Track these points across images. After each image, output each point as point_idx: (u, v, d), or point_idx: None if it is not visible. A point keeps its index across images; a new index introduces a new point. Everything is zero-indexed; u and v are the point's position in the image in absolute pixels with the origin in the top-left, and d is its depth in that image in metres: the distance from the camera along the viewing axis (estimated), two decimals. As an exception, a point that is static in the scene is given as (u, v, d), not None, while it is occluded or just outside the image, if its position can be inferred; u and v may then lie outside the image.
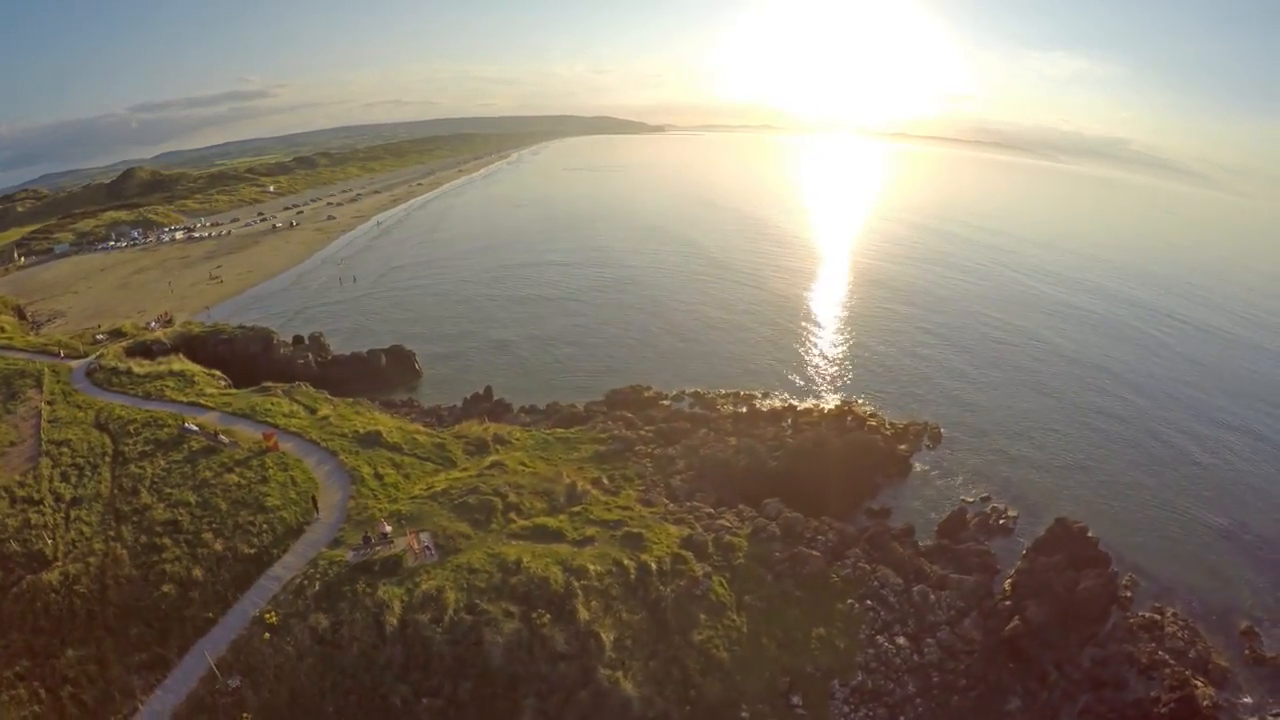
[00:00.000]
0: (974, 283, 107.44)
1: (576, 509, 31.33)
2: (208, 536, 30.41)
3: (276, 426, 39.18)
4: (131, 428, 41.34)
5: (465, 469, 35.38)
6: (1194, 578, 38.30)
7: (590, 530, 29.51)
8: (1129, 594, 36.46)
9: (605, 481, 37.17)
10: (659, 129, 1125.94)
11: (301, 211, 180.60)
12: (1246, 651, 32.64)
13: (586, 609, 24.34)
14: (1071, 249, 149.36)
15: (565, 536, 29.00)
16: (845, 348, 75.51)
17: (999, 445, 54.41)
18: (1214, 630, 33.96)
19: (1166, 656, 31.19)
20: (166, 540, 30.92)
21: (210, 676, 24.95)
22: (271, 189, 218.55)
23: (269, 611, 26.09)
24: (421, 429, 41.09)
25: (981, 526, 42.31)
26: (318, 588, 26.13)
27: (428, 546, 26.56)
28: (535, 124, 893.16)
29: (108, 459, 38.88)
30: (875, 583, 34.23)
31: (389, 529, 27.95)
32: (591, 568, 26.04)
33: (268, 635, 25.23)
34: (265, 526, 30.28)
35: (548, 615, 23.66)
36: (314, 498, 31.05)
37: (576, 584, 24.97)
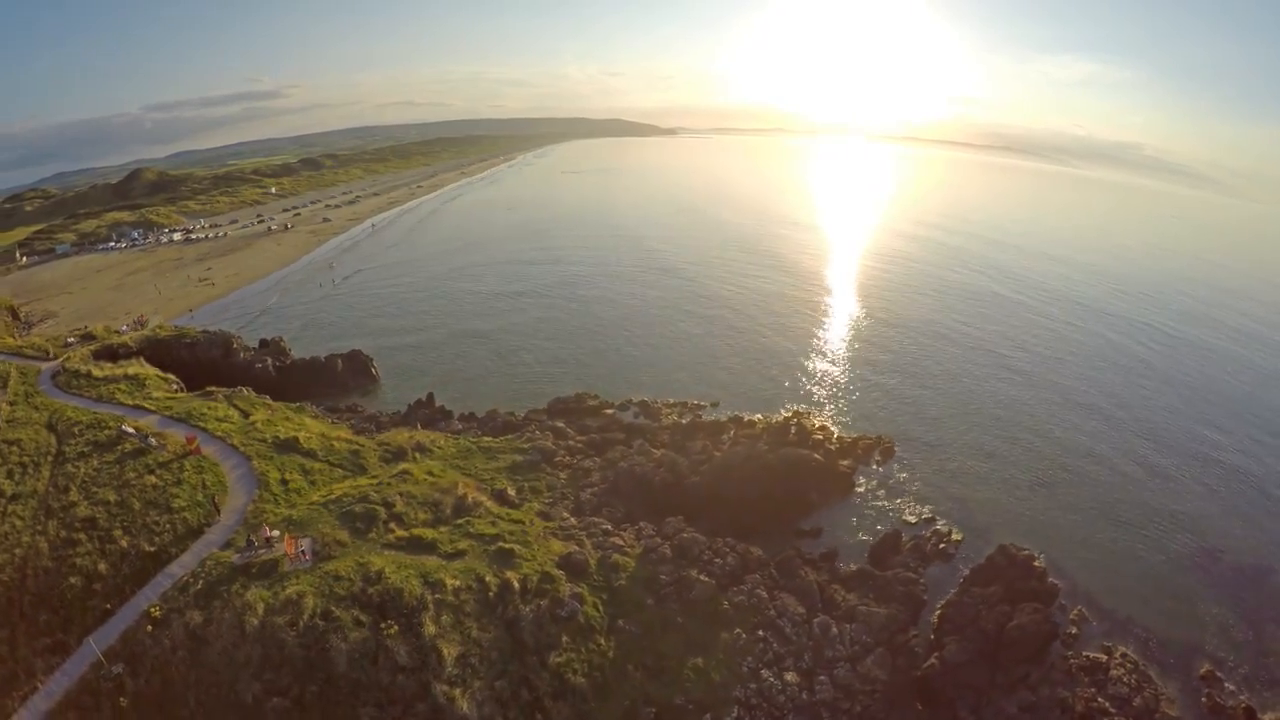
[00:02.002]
0: (956, 296, 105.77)
1: (460, 521, 32.59)
2: (118, 533, 32.72)
3: (205, 431, 41.57)
4: (77, 429, 43.91)
5: (373, 477, 37.37)
6: (1155, 613, 35.38)
7: (464, 544, 30.54)
8: (1074, 630, 33.79)
9: (510, 494, 38.55)
10: (671, 131, 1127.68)
11: (299, 214, 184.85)
12: (1204, 699, 29.71)
13: (435, 623, 25.25)
14: (1068, 259, 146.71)
15: (438, 549, 29.93)
16: (809, 359, 74.94)
17: (955, 462, 51.90)
18: (1169, 673, 31.21)
19: (1106, 704, 28.27)
20: (82, 535, 33.26)
21: (99, 663, 27.21)
22: (273, 190, 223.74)
23: (155, 606, 28.29)
24: (345, 436, 43.21)
25: (916, 551, 40.02)
26: (200, 586, 28.25)
27: (303, 552, 28.53)
28: (546, 126, 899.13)
29: (50, 458, 41.45)
30: (772, 612, 32.70)
31: (274, 534, 30.01)
32: (449, 582, 27.07)
33: (150, 628, 27.39)
34: (168, 526, 32.53)
35: (396, 626, 24.82)
36: (214, 501, 33.19)
37: (430, 597, 26.00)
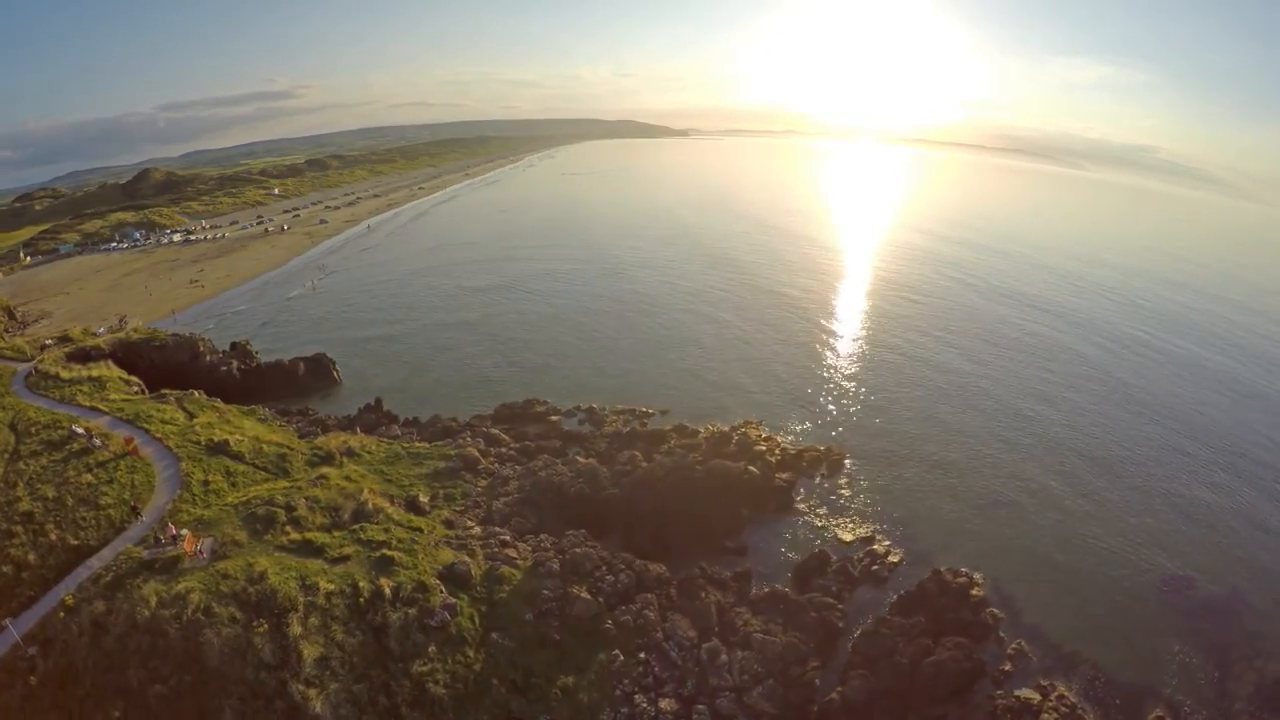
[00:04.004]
0: (939, 305, 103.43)
1: (356, 527, 34.48)
2: (49, 528, 35.67)
3: (148, 432, 44.60)
4: (34, 429, 47.09)
5: (293, 480, 40.04)
6: (1107, 649, 32.76)
7: (350, 549, 32.11)
8: (1008, 666, 31.50)
9: (422, 501, 40.31)
10: (683, 133, 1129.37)
11: (298, 215, 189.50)
12: (1147, 747, 27.02)
13: (301, 624, 26.97)
14: (1059, 266, 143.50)
15: (326, 553, 31.47)
16: (774, 367, 74.26)
17: (907, 478, 49.92)
18: (1112, 717, 28.87)
19: (1029, 751, 25.85)
20: (20, 528, 36.25)
21: (17, 645, 30.15)
22: (276, 191, 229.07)
23: (70, 595, 31.15)
24: (278, 439, 45.95)
25: (842, 574, 38.17)
26: (109, 578, 31.00)
27: (200, 551, 31.24)
28: (557, 127, 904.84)
29: (6, 456, 44.64)
30: (659, 634, 31.81)
31: (180, 532, 32.73)
32: (324, 585, 28.77)
33: (62, 615, 30.26)
34: (93, 522, 35.46)
35: (266, 625, 26.83)
36: (134, 506, 35.92)
37: (302, 599, 27.87)
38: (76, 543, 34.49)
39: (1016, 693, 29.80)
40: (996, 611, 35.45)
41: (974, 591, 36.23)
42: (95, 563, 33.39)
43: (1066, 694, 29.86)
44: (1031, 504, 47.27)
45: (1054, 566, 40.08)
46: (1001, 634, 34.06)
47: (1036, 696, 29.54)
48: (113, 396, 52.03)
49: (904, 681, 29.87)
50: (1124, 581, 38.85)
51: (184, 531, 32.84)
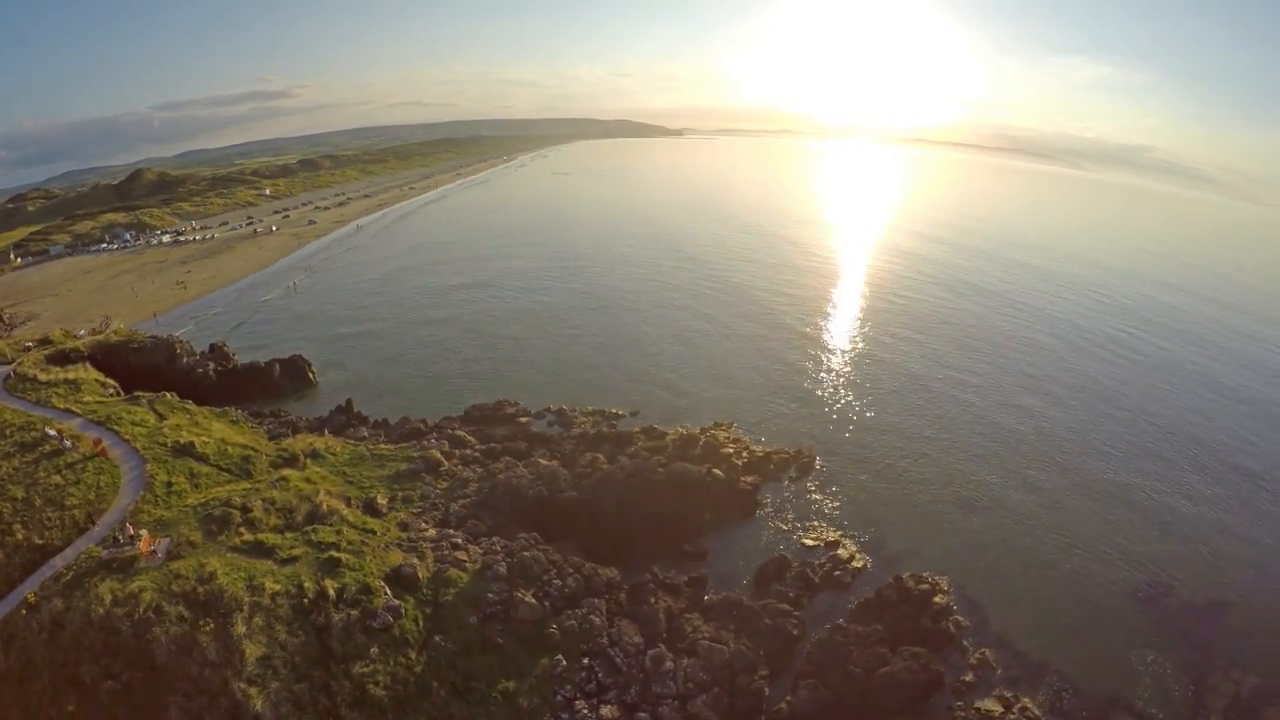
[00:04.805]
0: (918, 307, 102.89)
1: (309, 528, 35.37)
2: (16, 527, 37.00)
3: (117, 434, 45.95)
4: (9, 430, 48.31)
5: (255, 482, 41.41)
6: (1078, 659, 31.73)
7: (299, 550, 32.89)
8: (970, 677, 30.65)
9: (380, 503, 41.15)
10: (678, 133, 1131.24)
11: (287, 216, 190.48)
12: (1112, 764, 26.29)
13: (245, 624, 27.93)
14: (1048, 268, 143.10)
15: (276, 554, 32.26)
16: (754, 367, 74.35)
17: (879, 480, 49.40)
18: None
19: (986, 765, 25.48)
20: (-12, 528, 37.76)
21: (-21, 642, 31.50)
22: (268, 192, 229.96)
23: (32, 594, 32.51)
24: (243, 441, 47.29)
25: (801, 580, 37.71)
26: (70, 577, 32.37)
27: (154, 551, 32.63)
28: (554, 126, 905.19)
29: (-20, 457, 46.06)
30: (605, 640, 31.95)
31: (141, 532, 34.14)
32: (270, 586, 29.79)
33: (24, 612, 31.64)
34: (58, 522, 36.84)
35: (212, 624, 27.87)
36: (90, 515, 37.14)
37: (247, 599, 29.05)
38: (41, 542, 35.83)
39: (977, 704, 28.99)
40: (960, 619, 34.79)
41: (937, 599, 35.72)
42: (58, 562, 34.70)
43: (1030, 706, 29.08)
44: (1004, 509, 46.66)
45: (1024, 573, 39.08)
46: (965, 643, 33.34)
47: (998, 708, 28.73)
48: (86, 399, 53.32)
49: (855, 692, 29.60)
50: (1097, 590, 37.76)
51: (142, 532, 34.22)
